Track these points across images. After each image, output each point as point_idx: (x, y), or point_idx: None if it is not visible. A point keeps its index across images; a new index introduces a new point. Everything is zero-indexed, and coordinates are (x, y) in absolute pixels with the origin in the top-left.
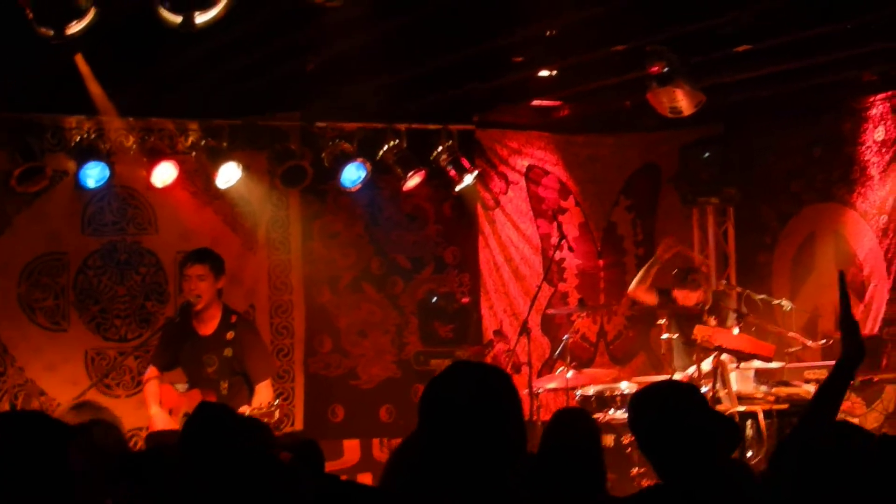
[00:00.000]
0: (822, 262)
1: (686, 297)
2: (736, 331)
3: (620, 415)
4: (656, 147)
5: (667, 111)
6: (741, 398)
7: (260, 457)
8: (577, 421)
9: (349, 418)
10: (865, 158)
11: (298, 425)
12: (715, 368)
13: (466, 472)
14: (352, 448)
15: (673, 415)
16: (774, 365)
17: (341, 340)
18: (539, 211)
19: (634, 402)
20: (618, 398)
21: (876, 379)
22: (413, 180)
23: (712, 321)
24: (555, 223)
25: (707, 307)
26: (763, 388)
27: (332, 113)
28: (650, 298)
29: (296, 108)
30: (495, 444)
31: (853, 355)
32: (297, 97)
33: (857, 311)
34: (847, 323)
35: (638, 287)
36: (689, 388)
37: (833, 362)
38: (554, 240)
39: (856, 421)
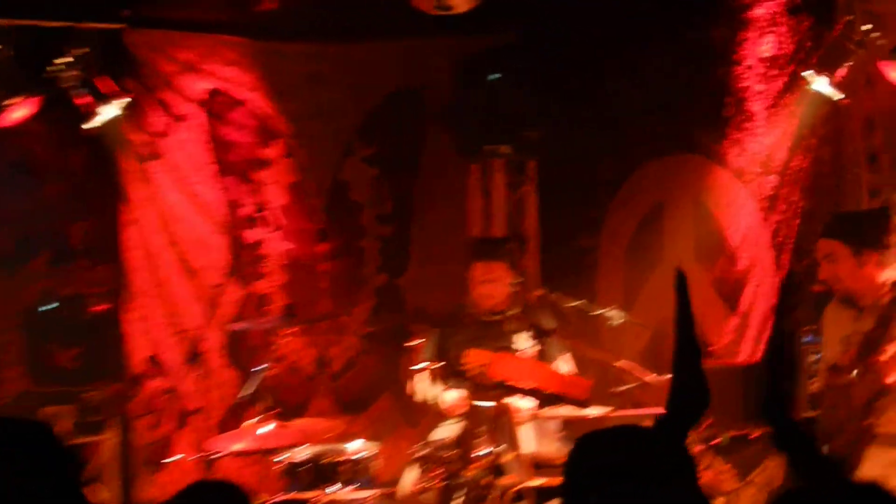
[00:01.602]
0: (674, 248)
1: (490, 275)
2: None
3: (346, 494)
4: (416, 64)
5: (431, 6)
6: (539, 466)
7: None
8: None
9: None
10: (744, 86)
11: None
12: (496, 417)
13: None
14: None
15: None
16: (593, 412)
17: None
18: (226, 164)
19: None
20: (345, 467)
21: (754, 435)
22: (19, 111)
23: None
24: (250, 184)
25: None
26: None
27: None
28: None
29: None
30: None
31: (687, 406)
32: None
33: (729, 326)
34: (684, 352)
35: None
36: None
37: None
38: (249, 210)
39: (722, 501)
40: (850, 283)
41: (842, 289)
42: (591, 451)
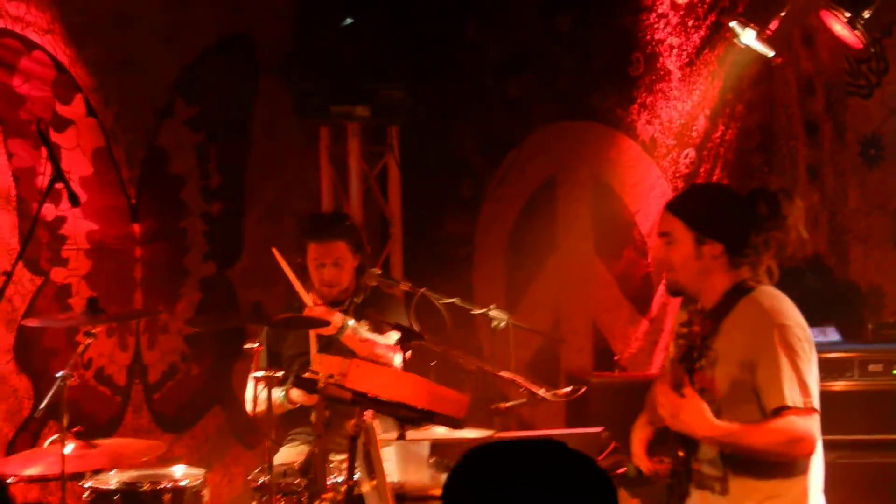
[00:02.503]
0: (569, 237)
1: (328, 257)
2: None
3: None
4: (248, 5)
5: None
6: (404, 498)
7: None
8: None
9: None
10: (656, 39)
11: None
12: (354, 438)
13: None
14: None
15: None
16: (471, 434)
17: None
18: (15, 124)
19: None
20: (167, 496)
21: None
22: None
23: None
24: (44, 148)
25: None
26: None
27: None
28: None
29: None
30: None
31: None
32: None
33: (637, 332)
34: None
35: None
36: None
37: (595, 429)
38: (43, 181)
39: None
40: (682, 276)
41: (671, 280)
42: (480, 475)
